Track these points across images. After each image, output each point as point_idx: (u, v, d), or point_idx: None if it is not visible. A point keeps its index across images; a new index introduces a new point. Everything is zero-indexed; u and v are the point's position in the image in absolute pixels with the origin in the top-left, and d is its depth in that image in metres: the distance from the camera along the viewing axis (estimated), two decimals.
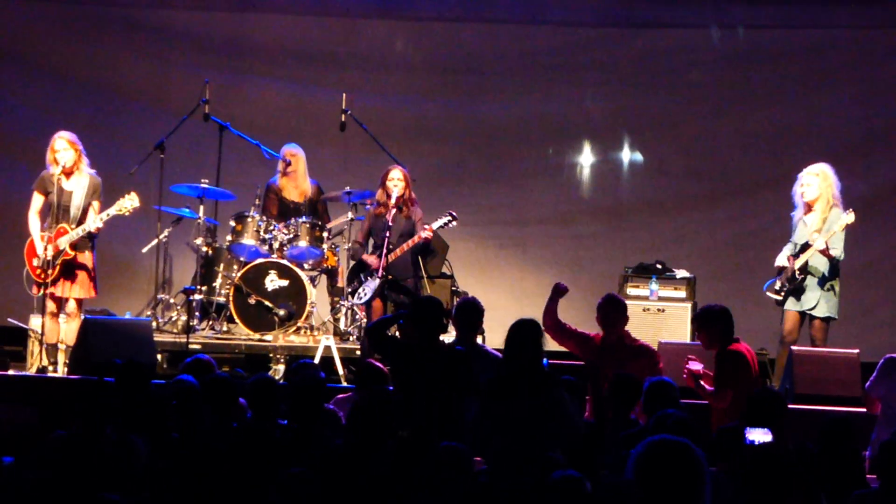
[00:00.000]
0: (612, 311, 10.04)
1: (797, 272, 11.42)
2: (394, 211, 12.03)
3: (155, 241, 13.15)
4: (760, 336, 12.02)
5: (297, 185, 13.49)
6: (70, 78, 15.15)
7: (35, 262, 11.54)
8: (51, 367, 11.62)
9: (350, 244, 12.85)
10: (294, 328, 12.86)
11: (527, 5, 15.28)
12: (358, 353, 12.17)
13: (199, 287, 13.00)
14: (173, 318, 13.21)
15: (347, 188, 13.09)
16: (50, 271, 11.44)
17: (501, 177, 15.28)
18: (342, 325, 13.09)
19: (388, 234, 11.95)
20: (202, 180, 13.10)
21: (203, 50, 15.18)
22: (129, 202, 11.65)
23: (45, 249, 11.44)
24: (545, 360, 8.34)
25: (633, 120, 15.29)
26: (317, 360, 11.64)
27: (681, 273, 13.36)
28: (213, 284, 13.20)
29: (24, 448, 7.75)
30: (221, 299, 13.13)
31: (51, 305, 11.61)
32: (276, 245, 12.97)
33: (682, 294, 13.19)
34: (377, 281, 11.95)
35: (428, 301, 9.23)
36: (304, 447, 7.29)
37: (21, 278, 11.72)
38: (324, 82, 15.00)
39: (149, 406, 7.92)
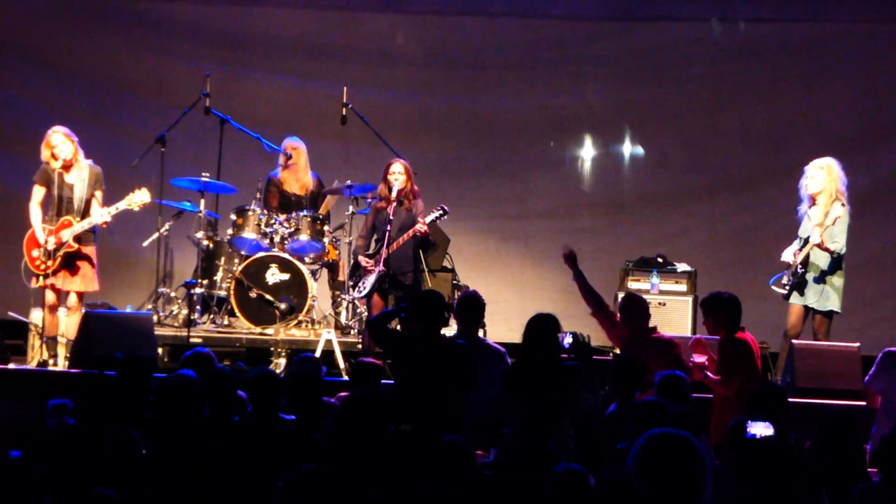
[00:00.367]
0: (625, 308, 10.11)
1: (799, 266, 11.42)
2: (395, 204, 12.02)
3: (156, 235, 13.15)
4: (761, 330, 11.99)
5: (297, 178, 13.49)
6: (71, 71, 15.14)
7: (35, 253, 11.53)
8: (51, 361, 11.61)
9: (351, 238, 12.85)
10: (295, 322, 12.85)
11: None
12: (359, 346, 12.17)
13: (200, 281, 13.00)
14: (174, 312, 13.21)
15: (348, 181, 13.08)
16: (50, 262, 11.44)
17: (502, 170, 15.27)
18: (343, 319, 13.09)
19: (388, 228, 11.94)
20: (203, 174, 13.09)
21: (204, 43, 15.17)
22: (139, 197, 11.65)
23: (46, 241, 11.43)
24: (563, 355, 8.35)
25: (635, 113, 15.28)
26: (318, 354, 11.65)
27: (682, 266, 13.37)
28: (214, 278, 13.20)
29: (25, 441, 7.78)
30: (222, 293, 13.13)
31: (50, 298, 11.60)
32: (277, 239, 12.96)
33: (684, 287, 13.21)
34: (377, 274, 11.94)
35: (429, 295, 9.23)
36: (304, 441, 7.28)
37: (20, 272, 11.71)
38: (325, 76, 14.99)
39: (150, 400, 7.93)
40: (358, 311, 12.89)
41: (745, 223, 14.85)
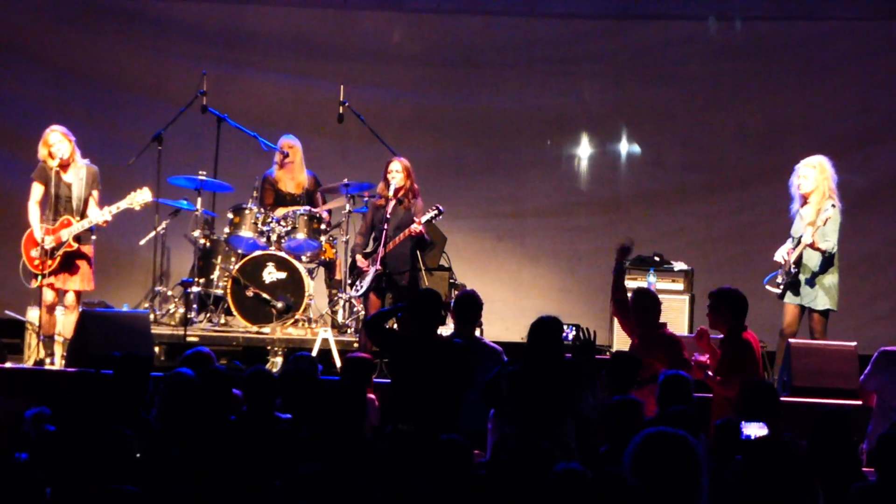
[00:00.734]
0: (636, 304, 10.13)
1: (792, 266, 11.43)
2: (393, 203, 12.02)
3: (153, 234, 13.14)
4: (758, 328, 11.97)
5: (293, 176, 13.48)
6: (67, 69, 15.12)
7: (34, 253, 11.51)
8: (48, 360, 11.60)
9: (348, 237, 12.85)
10: (292, 320, 12.85)
11: None
12: (356, 345, 12.17)
13: (196, 279, 12.99)
14: (171, 311, 13.20)
15: (345, 180, 13.08)
16: (49, 262, 11.43)
17: (499, 169, 15.27)
18: (340, 318, 13.09)
19: (385, 227, 11.94)
20: (200, 172, 13.08)
21: (201, 41, 15.16)
22: (141, 196, 11.65)
23: (43, 240, 11.42)
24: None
25: (631, 112, 15.28)
26: (315, 353, 11.66)
27: (678, 265, 13.38)
28: (211, 277, 13.19)
29: (21, 440, 7.77)
30: (219, 291, 13.12)
31: (49, 297, 11.58)
32: (273, 237, 12.96)
33: (680, 286, 13.21)
34: (373, 273, 11.95)
35: (426, 294, 9.23)
36: (300, 440, 7.28)
37: (18, 271, 11.70)
38: (321, 74, 14.98)
39: (147, 399, 7.93)
40: (355, 309, 12.89)
41: (741, 222, 14.85)
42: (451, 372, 8.50)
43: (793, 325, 11.49)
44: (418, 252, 12.09)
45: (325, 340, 12.10)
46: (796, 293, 11.46)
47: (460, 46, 15.34)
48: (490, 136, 15.29)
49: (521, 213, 15.32)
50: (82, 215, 11.56)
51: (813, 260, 11.39)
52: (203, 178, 13.06)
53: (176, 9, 15.37)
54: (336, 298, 13.23)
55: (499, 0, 15.31)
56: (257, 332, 12.79)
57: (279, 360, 12.37)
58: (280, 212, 13.13)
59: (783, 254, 11.56)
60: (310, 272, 13.09)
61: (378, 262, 11.94)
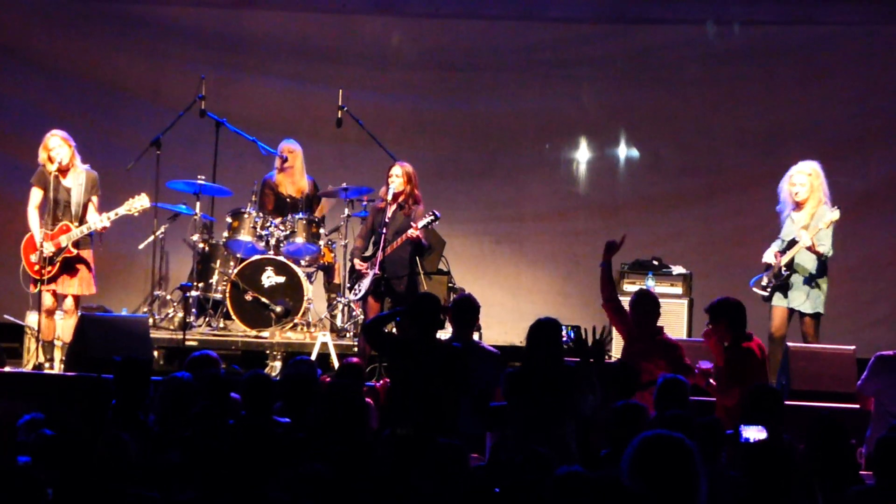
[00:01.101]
0: (637, 306, 10.12)
1: (783, 269, 11.44)
2: (393, 207, 12.03)
3: (151, 238, 13.13)
4: (757, 332, 12.01)
5: (293, 181, 13.49)
6: (66, 74, 15.14)
7: (33, 258, 11.52)
8: (47, 364, 11.61)
9: (347, 241, 12.87)
10: (291, 325, 12.86)
11: (523, 2, 15.29)
12: (355, 349, 12.18)
13: (195, 283, 13.00)
14: (170, 315, 13.21)
15: (344, 184, 13.09)
16: (49, 268, 11.44)
17: (498, 173, 15.28)
18: (339, 322, 13.09)
19: (384, 231, 11.95)
20: (199, 176, 13.09)
21: (199, 46, 15.17)
22: (139, 202, 11.67)
23: (42, 246, 11.43)
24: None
25: (630, 116, 15.29)
26: (313, 357, 11.64)
27: (677, 269, 13.38)
28: (210, 281, 13.19)
29: (21, 444, 7.77)
30: (218, 296, 13.13)
31: (48, 302, 11.59)
32: (272, 241, 12.97)
33: (679, 290, 13.22)
34: (372, 277, 11.96)
35: (425, 297, 9.24)
36: (299, 444, 7.29)
37: (17, 275, 11.71)
38: (320, 78, 14.99)
39: (147, 403, 7.94)
40: (353, 313, 12.90)
41: (740, 225, 14.84)
42: (450, 375, 8.51)
43: (781, 328, 11.51)
44: (417, 256, 12.10)
45: (324, 344, 12.12)
46: (785, 296, 11.48)
47: (459, 51, 15.35)
48: (488, 140, 15.30)
49: (519, 217, 15.32)
50: (81, 220, 11.57)
51: (808, 263, 11.41)
52: (202, 182, 13.07)
53: (175, 13, 15.37)
54: (335, 302, 13.23)
55: (497, 4, 15.31)
56: (256, 337, 12.80)
57: (278, 364, 12.38)
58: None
59: (771, 256, 11.59)
60: (308, 276, 13.10)
61: (377, 267, 11.95)
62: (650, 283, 13.12)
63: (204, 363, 8.74)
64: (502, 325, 13.58)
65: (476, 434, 8.73)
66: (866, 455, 8.72)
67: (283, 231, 12.98)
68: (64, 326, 11.65)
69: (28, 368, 11.75)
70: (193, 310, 12.98)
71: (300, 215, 13.04)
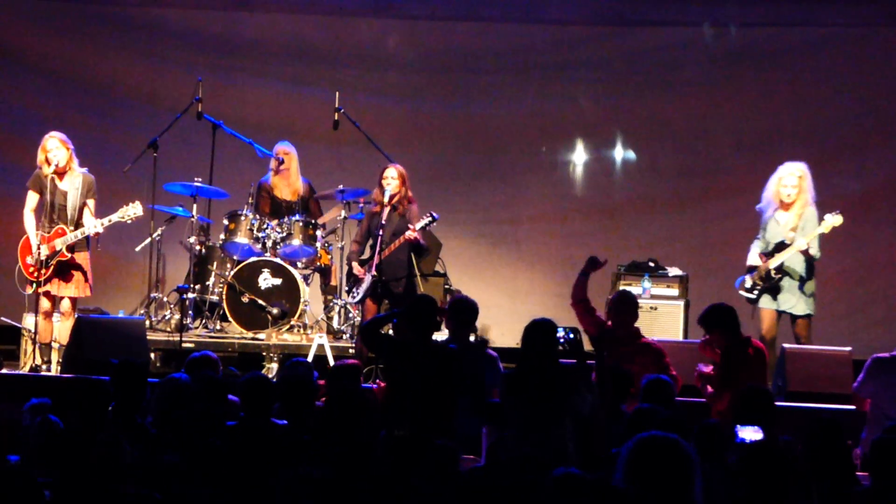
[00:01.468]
0: (621, 307, 10.12)
1: (773, 271, 11.45)
2: (388, 209, 12.04)
3: (148, 240, 13.15)
4: (752, 334, 12.05)
5: (289, 183, 13.49)
6: (63, 76, 15.14)
7: (29, 260, 11.54)
8: (44, 366, 11.61)
9: (343, 243, 12.88)
10: (287, 327, 12.87)
11: (520, 4, 15.30)
12: (351, 351, 12.18)
13: (192, 285, 13.01)
14: (167, 317, 13.21)
15: (341, 186, 13.10)
16: (43, 270, 11.44)
17: (495, 175, 15.28)
18: (335, 324, 13.10)
19: (381, 233, 11.96)
20: (195, 179, 13.09)
21: (196, 48, 15.18)
22: (132, 210, 11.67)
23: (39, 248, 11.44)
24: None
25: (626, 118, 15.29)
26: (310, 359, 11.64)
27: (673, 271, 13.38)
28: (207, 283, 13.20)
29: (17, 446, 7.78)
30: (215, 298, 13.13)
31: (44, 304, 11.61)
32: (269, 243, 12.98)
33: (675, 292, 13.22)
34: (369, 280, 11.97)
35: (422, 299, 9.24)
36: (297, 445, 7.29)
37: (13, 277, 11.71)
38: (317, 80, 15.00)
39: (143, 405, 7.94)
40: (350, 315, 12.91)
41: (736, 227, 14.78)
42: (447, 377, 8.52)
43: (772, 330, 11.53)
44: (414, 258, 12.11)
45: (321, 346, 12.11)
46: (774, 298, 11.50)
47: (455, 53, 15.36)
48: (485, 143, 15.30)
49: (516, 219, 15.33)
50: (77, 224, 11.57)
51: (798, 265, 11.44)
52: (198, 184, 13.07)
53: (172, 16, 15.37)
54: (331, 304, 13.24)
55: (494, 6, 15.32)
56: (253, 339, 12.80)
57: (274, 366, 12.38)
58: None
59: (756, 258, 11.60)
60: (305, 278, 13.11)
61: (374, 269, 11.95)
62: (646, 285, 13.14)
63: (203, 364, 8.74)
64: (499, 327, 13.58)
65: (473, 435, 8.73)
66: (861, 456, 8.73)
67: (279, 233, 12.98)
68: (61, 328, 11.65)
69: (25, 370, 11.75)
70: (190, 312, 12.99)
71: (296, 217, 13.04)
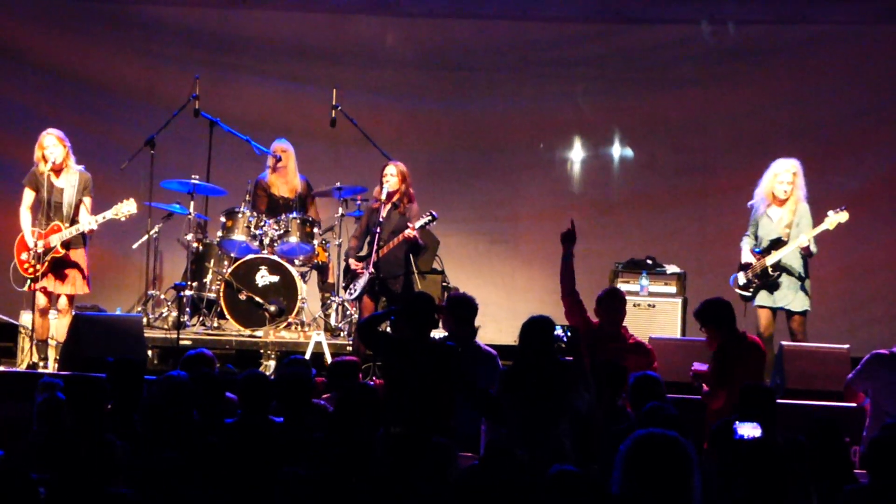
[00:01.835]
0: (612, 303, 10.07)
1: (770, 268, 11.45)
2: (387, 206, 12.03)
3: (145, 237, 13.15)
4: (750, 331, 12.04)
5: (286, 180, 13.49)
6: (60, 74, 15.12)
7: (24, 257, 11.54)
8: (41, 364, 11.61)
9: (341, 240, 12.87)
10: (285, 324, 12.86)
11: (517, 1, 15.27)
12: (349, 348, 12.18)
13: (189, 283, 12.99)
14: (164, 314, 13.20)
15: (338, 184, 13.10)
16: (39, 266, 11.44)
17: (492, 172, 15.27)
18: (333, 321, 13.10)
19: (378, 230, 11.95)
20: (192, 176, 13.09)
21: (193, 46, 15.16)
22: (126, 208, 11.66)
23: (36, 244, 11.44)
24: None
25: (624, 115, 15.28)
26: (307, 356, 11.65)
27: (671, 268, 13.38)
28: (204, 280, 13.19)
29: (15, 443, 7.77)
30: (212, 295, 13.13)
31: (41, 301, 11.61)
32: (266, 241, 12.97)
33: (673, 289, 13.21)
34: (366, 277, 11.96)
35: (419, 297, 9.24)
36: (294, 443, 7.29)
37: (9, 274, 11.71)
38: (314, 78, 14.99)
39: (140, 403, 7.93)
40: (348, 313, 12.90)
41: (734, 224, 14.79)
42: (445, 375, 8.50)
43: (769, 327, 11.53)
44: (412, 256, 12.10)
45: (318, 344, 12.11)
46: (770, 295, 11.50)
47: (453, 50, 15.34)
48: (483, 140, 15.29)
49: (513, 217, 15.32)
50: (73, 221, 11.57)
51: (795, 262, 11.45)
52: (196, 181, 13.06)
53: (169, 13, 15.36)
54: (329, 302, 13.23)
55: (491, 4, 15.30)
56: (250, 336, 12.79)
57: (272, 363, 12.38)
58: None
59: (749, 256, 11.60)
60: (302, 276, 13.10)
61: (371, 266, 11.94)
62: (644, 282, 13.13)
63: (198, 362, 8.73)
64: (497, 325, 13.56)
65: (472, 433, 8.72)
66: (861, 454, 8.72)
67: (276, 230, 12.98)
68: (58, 326, 11.65)
69: (22, 368, 11.75)
70: (187, 309, 12.98)
71: (294, 215, 13.04)
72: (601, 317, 10.01)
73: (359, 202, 13.18)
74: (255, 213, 13.08)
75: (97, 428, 7.13)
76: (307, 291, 13.16)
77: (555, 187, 15.38)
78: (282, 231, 12.97)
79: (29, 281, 11.53)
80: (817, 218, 11.51)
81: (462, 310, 9.70)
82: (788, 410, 9.78)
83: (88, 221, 11.54)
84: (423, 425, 7.82)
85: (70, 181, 11.61)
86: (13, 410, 9.63)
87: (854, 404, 9.74)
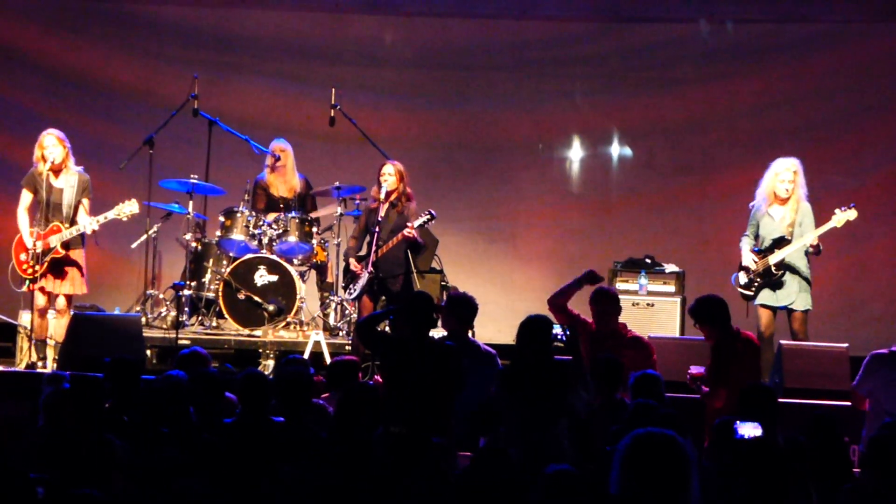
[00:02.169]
0: (601, 304, 10.08)
1: (773, 267, 11.44)
2: (386, 206, 12.03)
3: (144, 237, 13.14)
4: (751, 331, 12.04)
5: (285, 180, 13.49)
6: (59, 73, 15.12)
7: (23, 257, 11.53)
8: (40, 363, 11.60)
9: (339, 240, 12.87)
10: (283, 323, 12.85)
11: (516, 1, 15.27)
12: (348, 348, 12.17)
13: (188, 282, 12.99)
14: (162, 314, 13.20)
15: (337, 183, 13.09)
16: (38, 266, 11.44)
17: (491, 172, 15.28)
18: (332, 321, 13.09)
19: (377, 230, 11.95)
20: (191, 175, 13.08)
21: (192, 45, 15.16)
22: (128, 208, 11.67)
23: (35, 245, 11.44)
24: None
25: (623, 114, 15.28)
26: (306, 356, 11.65)
27: (670, 267, 13.38)
28: (203, 280, 13.19)
29: (14, 442, 7.76)
30: (211, 295, 13.13)
31: (40, 301, 11.61)
32: (265, 240, 12.97)
33: (672, 288, 13.22)
34: (366, 276, 11.96)
35: (418, 296, 9.23)
36: (294, 442, 7.29)
37: (7, 275, 11.71)
38: (313, 77, 14.99)
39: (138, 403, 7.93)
40: (346, 312, 12.90)
41: (732, 223, 14.79)
42: (443, 374, 8.50)
43: (770, 326, 11.53)
44: (411, 255, 12.09)
45: (317, 343, 12.11)
46: (773, 294, 11.49)
47: (452, 50, 15.35)
48: (481, 139, 15.29)
49: (512, 216, 15.32)
50: (72, 222, 11.57)
51: (799, 261, 11.45)
52: (195, 181, 13.06)
53: (168, 13, 15.36)
54: (327, 301, 13.23)
55: (490, 3, 15.30)
56: (249, 336, 12.79)
57: (271, 362, 12.37)
58: (272, 216, 13.14)
59: (750, 256, 11.59)
60: (301, 275, 13.10)
61: (371, 266, 11.94)
62: (643, 281, 13.13)
63: (194, 360, 8.72)
64: (495, 324, 13.56)
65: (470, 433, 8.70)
66: (860, 453, 8.72)
67: (275, 230, 12.98)
68: (56, 325, 11.64)
69: (21, 368, 11.74)
70: (186, 309, 12.97)
71: (293, 214, 13.04)
72: (594, 318, 10.04)
73: (357, 201, 13.18)
74: (253, 213, 13.08)
75: (97, 427, 7.13)
76: (306, 291, 13.16)
77: (553, 187, 15.38)
78: (280, 230, 12.98)
79: (27, 282, 11.52)
80: (820, 217, 11.51)
81: (462, 309, 9.70)
82: (788, 410, 9.77)
83: (89, 222, 11.54)
84: (422, 425, 7.81)
85: (69, 182, 11.61)
86: (12, 410, 9.63)
87: (858, 408, 9.71)
